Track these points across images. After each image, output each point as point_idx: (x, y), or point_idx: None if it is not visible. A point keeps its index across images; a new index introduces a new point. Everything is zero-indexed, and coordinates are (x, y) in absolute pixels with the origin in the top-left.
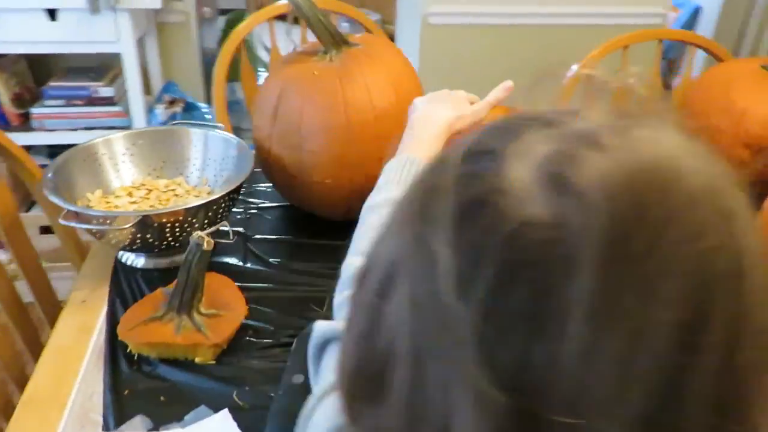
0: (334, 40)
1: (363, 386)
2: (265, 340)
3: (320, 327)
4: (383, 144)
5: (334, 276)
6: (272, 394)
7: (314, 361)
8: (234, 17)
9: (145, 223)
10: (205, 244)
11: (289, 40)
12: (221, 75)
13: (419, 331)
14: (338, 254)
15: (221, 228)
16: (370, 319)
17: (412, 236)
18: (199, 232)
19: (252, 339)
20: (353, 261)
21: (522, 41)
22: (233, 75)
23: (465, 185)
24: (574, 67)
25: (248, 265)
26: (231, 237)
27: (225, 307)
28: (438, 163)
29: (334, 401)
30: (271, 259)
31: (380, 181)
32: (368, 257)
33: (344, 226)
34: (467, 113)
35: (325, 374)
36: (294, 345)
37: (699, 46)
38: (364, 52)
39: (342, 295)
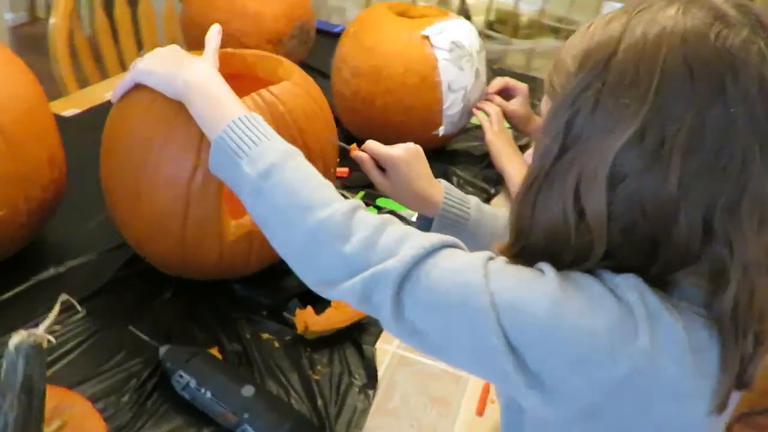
0: None
1: None
2: (123, 399)
3: (398, 264)
4: (46, 139)
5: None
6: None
7: (395, 297)
8: None
9: None
10: (44, 342)
11: None
12: None
13: None
14: (44, 293)
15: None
16: None
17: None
18: (27, 332)
19: (111, 417)
20: (340, 207)
21: None
22: None
23: None
24: None
25: None
26: (80, 309)
27: (60, 410)
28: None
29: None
30: None
31: (238, 150)
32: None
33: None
34: (212, 63)
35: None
36: (188, 381)
37: None
38: None
39: (373, 232)
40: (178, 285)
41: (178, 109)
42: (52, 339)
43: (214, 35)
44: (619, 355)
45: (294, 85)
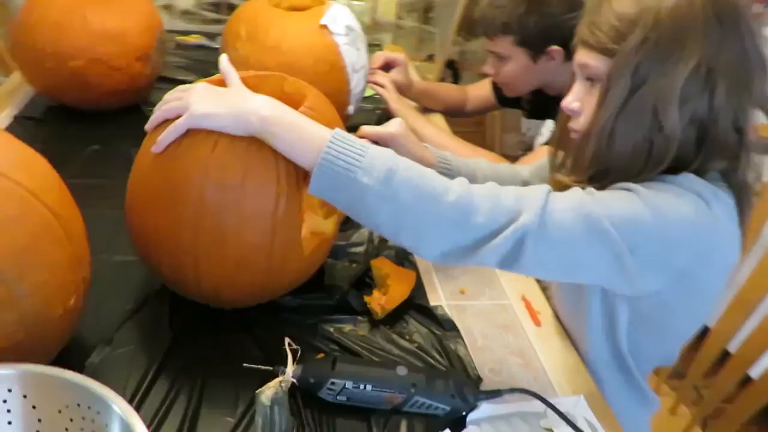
0: None
1: None
2: None
3: (532, 217)
4: (76, 211)
5: None
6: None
7: (535, 243)
8: None
9: None
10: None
11: None
12: None
13: None
14: None
15: None
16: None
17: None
18: (276, 382)
19: None
20: (458, 188)
21: None
22: None
23: None
24: None
25: None
26: (296, 346)
27: None
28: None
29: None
30: None
31: (350, 166)
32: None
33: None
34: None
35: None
36: (344, 384)
37: None
38: None
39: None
40: (233, 314)
41: (246, 145)
42: (295, 381)
43: (229, 66)
44: (707, 227)
45: (318, 97)
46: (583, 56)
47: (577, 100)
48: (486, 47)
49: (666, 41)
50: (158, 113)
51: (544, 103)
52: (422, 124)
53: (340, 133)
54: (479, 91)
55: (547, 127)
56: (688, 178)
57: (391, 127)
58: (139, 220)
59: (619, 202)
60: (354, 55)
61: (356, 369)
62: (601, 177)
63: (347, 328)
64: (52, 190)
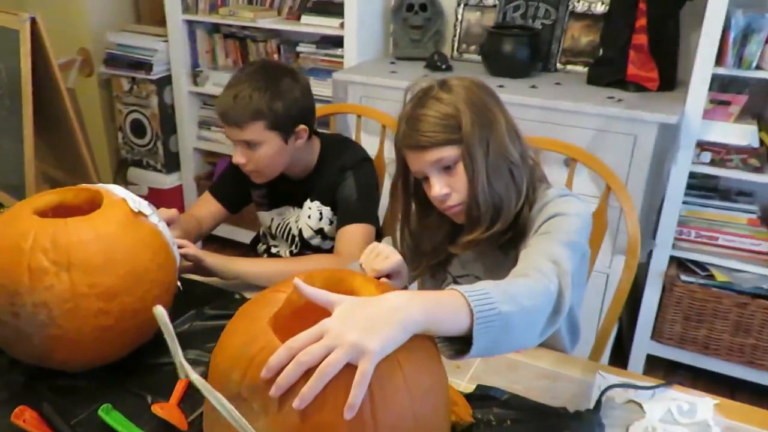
0: None
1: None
2: None
3: (567, 270)
4: None
5: None
6: None
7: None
8: None
9: None
10: None
11: None
12: None
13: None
14: None
15: None
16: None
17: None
18: None
19: None
20: (529, 276)
21: None
22: None
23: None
24: None
25: None
26: None
27: None
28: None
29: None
30: None
31: (491, 309)
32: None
33: None
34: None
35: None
36: None
37: None
38: None
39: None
40: None
41: (414, 346)
42: None
43: (314, 288)
44: (583, 204)
45: (358, 274)
46: (432, 155)
47: (445, 187)
48: (234, 137)
49: (483, 116)
50: (294, 373)
51: (278, 191)
52: (240, 263)
53: (461, 287)
54: (205, 210)
55: (314, 208)
56: (550, 191)
57: (394, 256)
58: None
59: (564, 224)
60: (167, 230)
61: None
62: (494, 220)
63: None
64: None
